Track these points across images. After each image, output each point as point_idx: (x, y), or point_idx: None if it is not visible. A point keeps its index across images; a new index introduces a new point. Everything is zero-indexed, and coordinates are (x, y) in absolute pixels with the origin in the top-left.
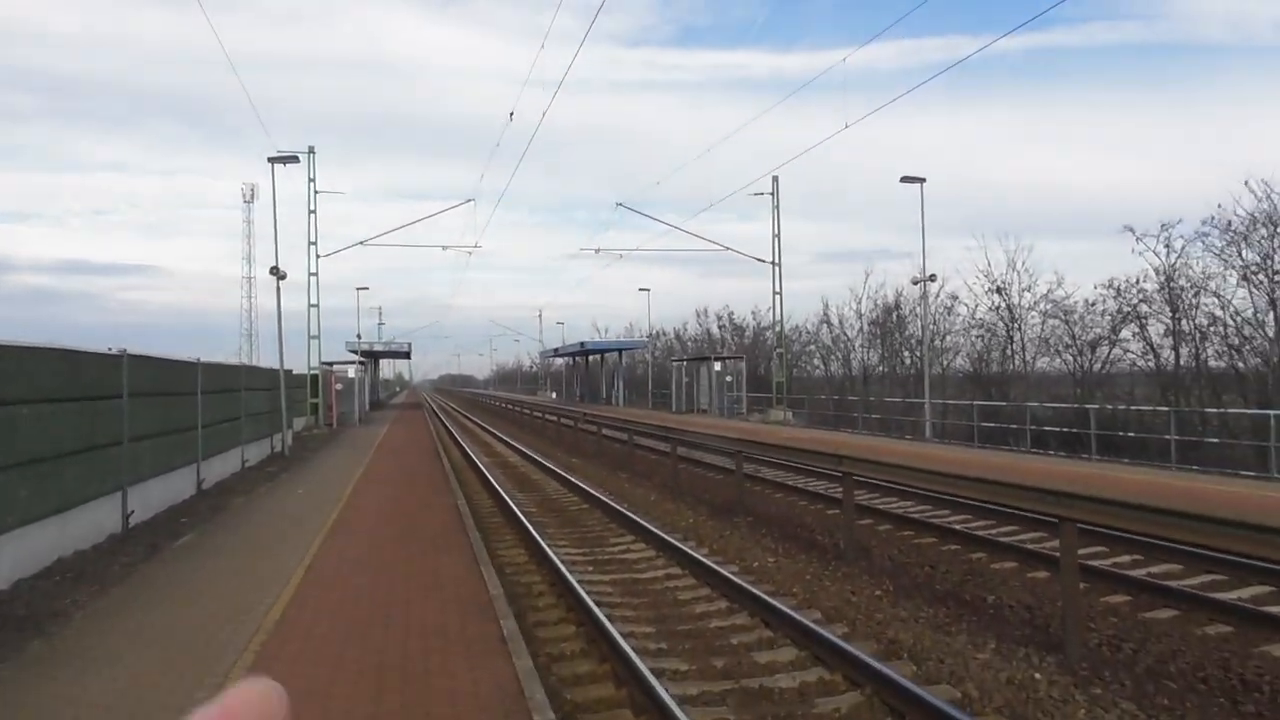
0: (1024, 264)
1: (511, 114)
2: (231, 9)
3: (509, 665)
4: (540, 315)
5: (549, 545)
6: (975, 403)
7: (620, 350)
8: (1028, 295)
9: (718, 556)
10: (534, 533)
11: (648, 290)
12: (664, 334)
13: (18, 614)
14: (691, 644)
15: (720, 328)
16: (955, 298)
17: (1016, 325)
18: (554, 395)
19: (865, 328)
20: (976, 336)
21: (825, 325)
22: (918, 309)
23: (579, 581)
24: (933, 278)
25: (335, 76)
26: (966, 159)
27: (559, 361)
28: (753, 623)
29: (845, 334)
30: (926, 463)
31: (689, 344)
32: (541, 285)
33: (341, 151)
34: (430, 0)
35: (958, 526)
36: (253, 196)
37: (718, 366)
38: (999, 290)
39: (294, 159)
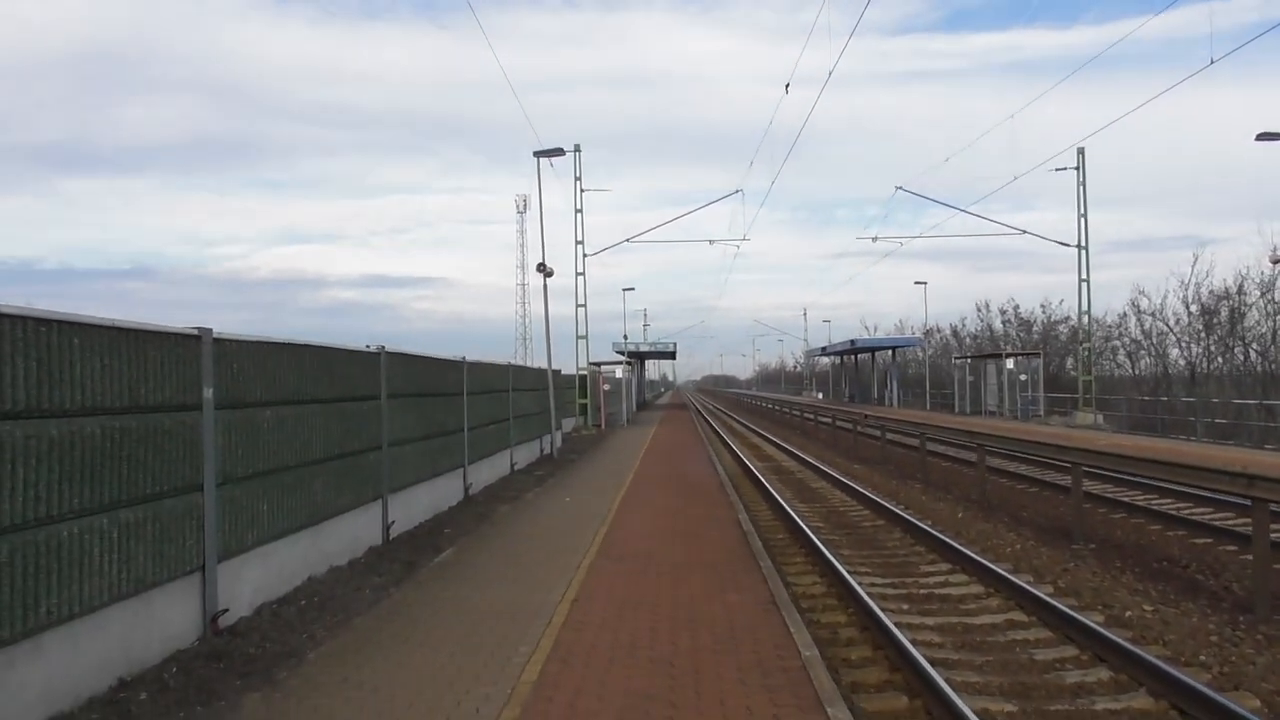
0: None
1: (788, 86)
2: (505, 35)
3: None
4: (805, 314)
5: (850, 574)
6: None
7: (893, 348)
8: None
9: (1069, 599)
10: (831, 558)
11: (924, 284)
12: (939, 330)
13: (248, 652)
14: None
15: (1004, 322)
16: None
17: None
18: (819, 396)
19: (1191, 319)
20: None
21: (1135, 317)
22: (1274, 294)
23: (897, 625)
24: None
25: (600, 89)
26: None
27: (824, 361)
28: (1158, 707)
29: (1165, 325)
30: None
31: (966, 340)
32: (805, 284)
33: (606, 161)
34: (689, 7)
35: None
36: (525, 208)
37: (1010, 364)
38: None
39: (559, 152)
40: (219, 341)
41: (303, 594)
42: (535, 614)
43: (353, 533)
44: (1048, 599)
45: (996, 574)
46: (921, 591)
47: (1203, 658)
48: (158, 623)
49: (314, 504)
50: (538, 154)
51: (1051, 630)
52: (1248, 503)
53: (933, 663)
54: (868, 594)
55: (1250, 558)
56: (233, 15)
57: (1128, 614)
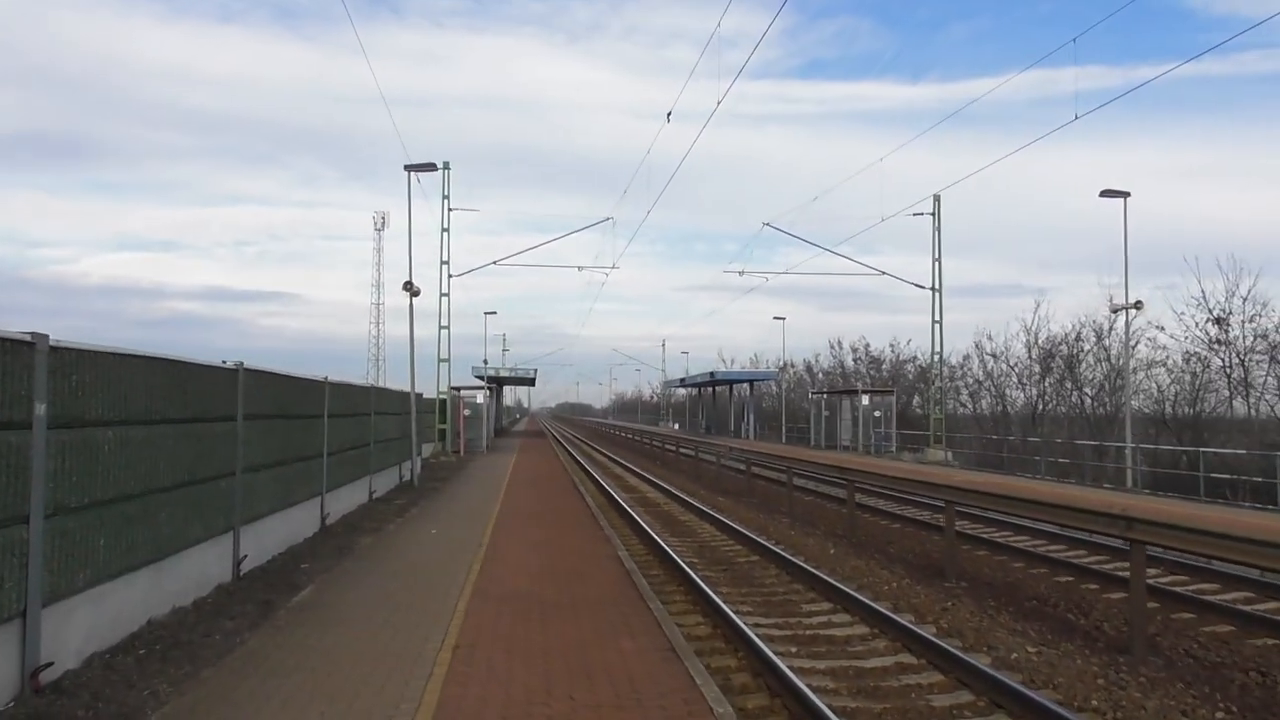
0: (1250, 292)
1: (669, 115)
2: (369, 49)
3: None
4: (664, 345)
5: (736, 614)
6: (1203, 449)
7: (751, 381)
8: (1251, 327)
9: (954, 639)
10: (715, 598)
11: (783, 319)
12: (793, 366)
13: (75, 715)
14: None
15: (856, 360)
16: (1160, 327)
17: (1239, 362)
18: (676, 427)
19: (1031, 362)
20: (1181, 374)
21: (979, 358)
22: (1105, 342)
23: (791, 669)
24: (1139, 305)
25: (465, 110)
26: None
27: (681, 392)
28: None
29: (1007, 367)
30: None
31: (819, 376)
32: (664, 317)
33: (472, 183)
34: (556, 36)
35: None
36: (383, 224)
37: (865, 400)
38: (1218, 321)
39: (431, 167)
40: (56, 350)
41: (142, 641)
42: (414, 664)
43: (200, 568)
44: (935, 640)
45: (879, 613)
46: (807, 632)
47: (1095, 702)
48: None
49: (159, 537)
50: (409, 168)
51: (943, 674)
52: (1119, 544)
53: (835, 710)
54: (757, 636)
55: (1118, 596)
56: (72, 6)
57: (1013, 655)
